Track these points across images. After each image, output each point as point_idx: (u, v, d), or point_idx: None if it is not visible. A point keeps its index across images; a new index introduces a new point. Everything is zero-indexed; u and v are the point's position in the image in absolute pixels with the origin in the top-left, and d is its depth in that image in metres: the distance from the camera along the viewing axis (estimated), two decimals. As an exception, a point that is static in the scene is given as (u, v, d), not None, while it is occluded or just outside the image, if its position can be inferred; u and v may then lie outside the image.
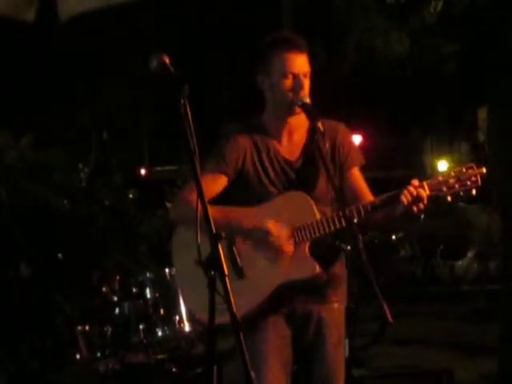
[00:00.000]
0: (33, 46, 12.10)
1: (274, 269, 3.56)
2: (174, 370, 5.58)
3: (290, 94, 3.58)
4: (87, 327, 5.48)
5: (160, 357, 5.49)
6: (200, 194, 2.86)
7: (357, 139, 12.52)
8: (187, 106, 2.91)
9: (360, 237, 3.23)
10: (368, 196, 3.66)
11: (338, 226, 3.50)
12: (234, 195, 3.67)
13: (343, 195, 3.58)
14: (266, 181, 3.64)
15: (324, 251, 3.62)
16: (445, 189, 3.49)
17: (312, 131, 3.59)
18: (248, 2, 13.46)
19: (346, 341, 3.94)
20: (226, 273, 2.78)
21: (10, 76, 11.65)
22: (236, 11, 13.61)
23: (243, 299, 3.26)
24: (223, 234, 2.85)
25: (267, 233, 3.53)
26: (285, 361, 3.64)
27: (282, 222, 3.56)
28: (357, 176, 3.73)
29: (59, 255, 6.28)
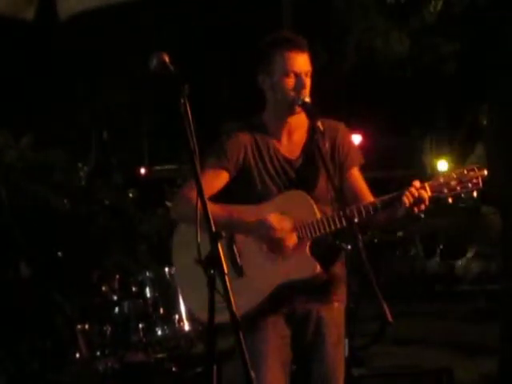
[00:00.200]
0: (32, 45, 12.09)
1: (274, 268, 3.56)
2: (173, 369, 5.58)
3: (292, 93, 3.59)
4: (87, 326, 5.48)
5: (160, 356, 5.49)
6: (200, 194, 2.86)
7: (357, 139, 12.50)
8: (187, 106, 2.91)
9: (360, 236, 3.24)
10: (368, 196, 3.66)
11: (338, 225, 3.50)
12: (234, 193, 3.67)
13: (343, 195, 3.59)
14: (266, 178, 3.65)
15: (324, 251, 3.62)
16: (446, 190, 3.50)
17: (312, 131, 3.60)
18: (248, 2, 13.45)
19: (346, 340, 3.95)
20: (226, 271, 2.78)
21: (10, 75, 11.64)
22: (236, 11, 13.61)
23: (243, 298, 3.27)
24: (223, 233, 2.86)
25: (270, 226, 3.53)
26: (284, 360, 3.65)
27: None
28: (356, 176, 3.73)
29: (59, 254, 6.28)
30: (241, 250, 3.58)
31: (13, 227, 6.10)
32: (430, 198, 3.48)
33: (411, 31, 11.65)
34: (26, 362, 5.64)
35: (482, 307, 10.02)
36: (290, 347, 3.68)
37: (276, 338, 3.63)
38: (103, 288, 5.65)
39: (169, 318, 5.41)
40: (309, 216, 3.56)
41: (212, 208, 2.90)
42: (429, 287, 11.47)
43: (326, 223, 3.52)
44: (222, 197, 3.63)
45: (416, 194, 3.45)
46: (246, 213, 3.59)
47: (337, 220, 3.50)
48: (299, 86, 3.58)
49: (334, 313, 3.71)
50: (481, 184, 3.50)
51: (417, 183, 3.49)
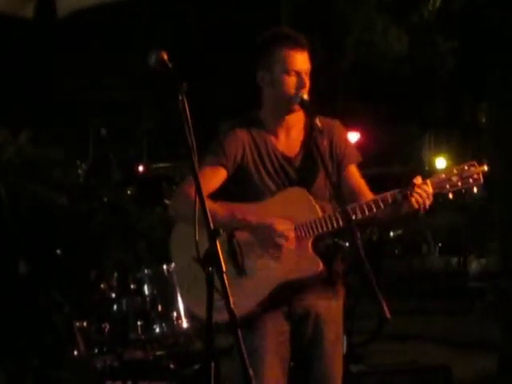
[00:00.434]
0: (32, 42, 12.09)
1: (275, 267, 3.55)
2: (171, 366, 5.58)
3: (292, 91, 3.58)
4: (85, 324, 5.48)
5: (158, 353, 5.49)
6: (198, 191, 2.85)
7: (355, 136, 12.52)
8: (185, 103, 2.91)
9: (358, 234, 3.24)
10: (366, 193, 3.66)
11: (341, 223, 3.50)
12: (233, 191, 3.66)
13: (341, 192, 3.59)
14: (265, 176, 3.64)
15: (324, 248, 3.62)
16: (447, 186, 3.50)
17: (310, 128, 3.59)
18: (248, 2, 13.46)
19: (344, 337, 3.95)
20: (224, 269, 2.77)
21: (9, 72, 11.64)
22: (236, 11, 13.61)
23: (243, 298, 3.27)
24: (221, 231, 2.85)
25: (270, 229, 3.52)
26: (283, 356, 3.64)
27: (284, 218, 3.56)
28: (354, 173, 3.73)
29: (57, 251, 6.28)
30: (242, 249, 3.57)
31: (11, 225, 6.09)
32: (432, 195, 3.48)
33: (410, 28, 11.66)
34: (25, 360, 5.64)
35: (482, 304, 10.05)
36: (289, 344, 3.68)
37: (275, 335, 3.63)
38: (101, 285, 5.65)
39: (167, 315, 5.41)
40: (310, 214, 3.55)
41: (212, 206, 2.89)
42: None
43: (328, 221, 3.52)
44: (219, 194, 3.63)
45: (424, 194, 3.45)
46: (247, 211, 3.58)
47: (340, 218, 3.50)
48: (299, 84, 3.58)
49: (333, 310, 3.71)
50: (481, 179, 3.50)
51: (418, 180, 3.48)
